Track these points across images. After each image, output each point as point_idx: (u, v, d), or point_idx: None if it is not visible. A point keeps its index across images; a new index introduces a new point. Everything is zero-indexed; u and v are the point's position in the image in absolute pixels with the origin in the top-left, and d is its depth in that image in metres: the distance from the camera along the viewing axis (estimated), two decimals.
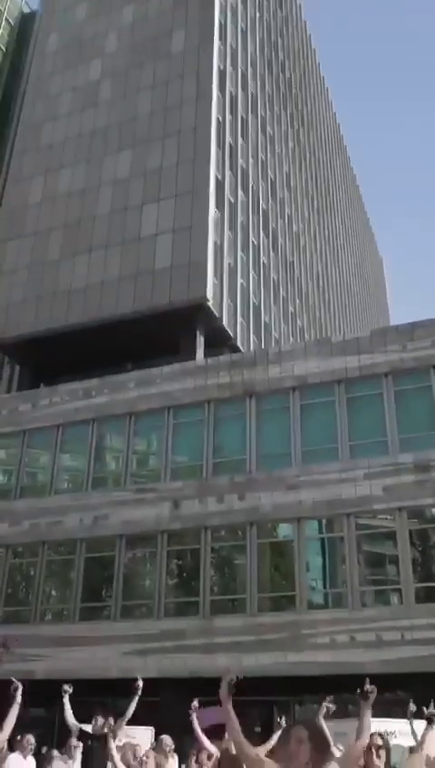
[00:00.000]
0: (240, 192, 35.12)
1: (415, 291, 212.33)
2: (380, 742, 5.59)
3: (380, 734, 5.69)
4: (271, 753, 6.84)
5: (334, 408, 20.56)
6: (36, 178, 36.87)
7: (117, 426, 23.42)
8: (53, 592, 22.93)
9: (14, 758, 9.80)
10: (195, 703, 8.45)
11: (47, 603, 22.50)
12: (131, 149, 34.49)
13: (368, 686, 4.11)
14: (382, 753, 5.53)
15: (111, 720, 8.96)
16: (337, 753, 8.95)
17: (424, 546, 19.49)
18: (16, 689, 6.66)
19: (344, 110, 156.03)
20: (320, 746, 3.52)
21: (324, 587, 19.97)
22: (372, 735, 5.64)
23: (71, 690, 9.28)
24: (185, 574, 21.23)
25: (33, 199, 36.24)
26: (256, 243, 36.43)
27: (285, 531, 20.64)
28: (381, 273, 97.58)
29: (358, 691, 4.13)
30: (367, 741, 4.66)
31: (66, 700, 9.21)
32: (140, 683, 8.93)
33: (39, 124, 38.87)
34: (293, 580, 19.34)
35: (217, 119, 33.58)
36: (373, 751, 5.53)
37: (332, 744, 3.54)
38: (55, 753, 12.06)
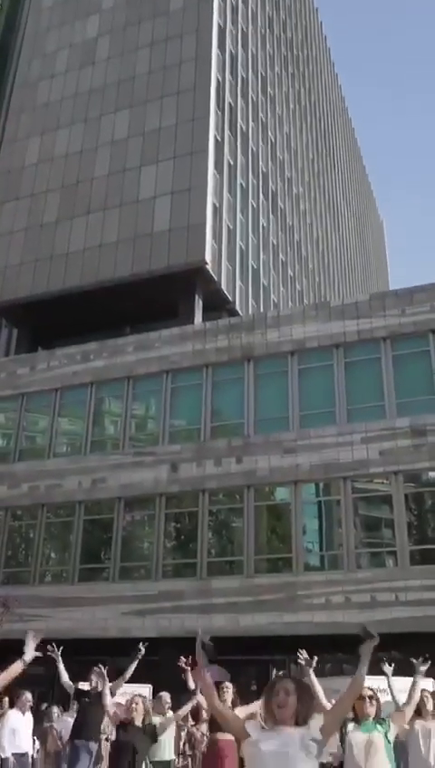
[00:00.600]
0: (240, 154, 34.67)
1: (415, 255, 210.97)
2: (369, 693, 5.80)
3: (368, 687, 5.90)
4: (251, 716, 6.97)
5: (332, 373, 20.59)
6: (33, 139, 36.34)
7: (115, 389, 23.47)
8: (53, 554, 23.19)
9: (13, 714, 10.16)
10: (183, 661, 8.56)
11: (46, 565, 22.77)
12: (129, 109, 33.94)
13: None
14: (374, 702, 5.75)
15: (105, 676, 9.14)
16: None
17: (419, 509, 19.68)
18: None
19: (346, 71, 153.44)
20: (305, 698, 3.67)
21: (321, 549, 20.21)
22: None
23: (59, 651, 9.36)
24: (183, 537, 21.45)
25: (30, 160, 35.77)
26: (255, 206, 36.06)
27: (282, 494, 20.82)
28: (382, 237, 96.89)
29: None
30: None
31: (60, 662, 9.33)
32: (143, 649, 9.08)
33: (35, 82, 38.19)
34: (289, 543, 19.57)
35: (217, 78, 33.00)
36: (366, 699, 5.74)
37: (316, 697, 3.75)
38: (55, 709, 12.39)
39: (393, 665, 7.90)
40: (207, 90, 31.99)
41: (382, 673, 7.73)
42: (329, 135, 60.03)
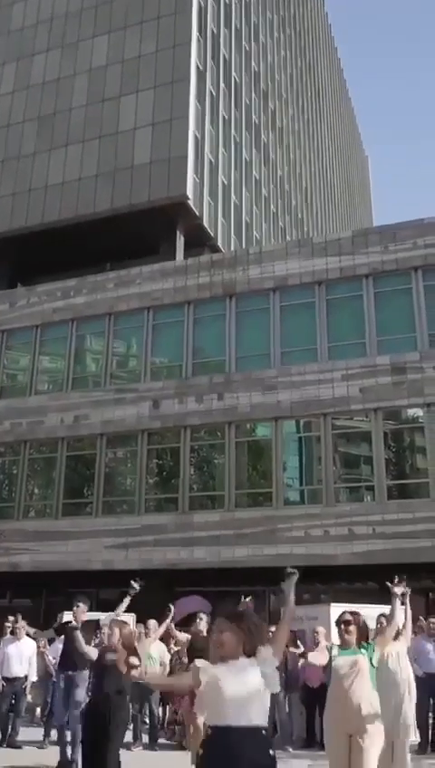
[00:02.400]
0: (222, 84, 33.72)
1: (400, 192, 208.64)
2: (347, 617, 5.90)
3: (351, 612, 6.01)
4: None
5: (314, 310, 20.58)
6: (8, 65, 35.05)
7: (96, 326, 23.35)
8: (36, 490, 23.42)
9: (8, 640, 10.62)
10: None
11: (30, 500, 23.03)
12: (108, 35, 32.73)
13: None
14: (352, 628, 5.82)
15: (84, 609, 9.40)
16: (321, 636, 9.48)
17: (398, 446, 20.02)
18: None
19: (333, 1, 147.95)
20: (249, 630, 3.71)
21: (300, 484, 20.57)
22: (342, 613, 6.02)
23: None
24: (165, 472, 21.71)
25: (6, 89, 34.56)
26: (238, 139, 35.29)
27: (263, 430, 21.03)
28: (366, 173, 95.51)
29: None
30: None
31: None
32: (137, 586, 8.71)
33: (9, 5, 36.61)
34: (270, 478, 19.88)
35: (199, 2, 31.82)
36: (341, 625, 5.88)
37: (261, 627, 3.80)
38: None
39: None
40: (188, 14, 30.87)
41: (361, 602, 8.06)
42: (314, 67, 58.40)
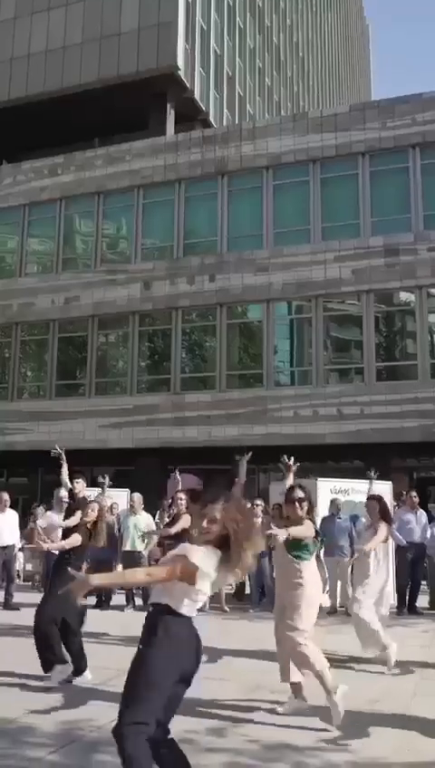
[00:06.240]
0: None
1: (402, 62, 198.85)
2: (300, 494, 5.73)
3: (300, 487, 5.86)
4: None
5: (308, 189, 20.13)
6: None
7: (85, 205, 22.85)
8: (29, 372, 23.62)
9: None
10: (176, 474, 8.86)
11: (24, 382, 23.27)
12: None
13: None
14: (304, 504, 5.67)
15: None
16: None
17: (388, 329, 20.13)
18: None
19: None
20: (232, 531, 3.40)
21: (291, 366, 20.81)
22: (292, 489, 5.84)
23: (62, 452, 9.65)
24: (157, 355, 21.87)
25: None
26: (231, 3, 33.17)
27: (254, 312, 21.04)
28: (367, 42, 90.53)
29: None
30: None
31: (63, 462, 9.58)
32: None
33: None
34: (260, 360, 20.10)
35: None
36: (296, 504, 5.67)
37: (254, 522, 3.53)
38: (40, 508, 13.34)
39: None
40: None
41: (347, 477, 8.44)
42: None
